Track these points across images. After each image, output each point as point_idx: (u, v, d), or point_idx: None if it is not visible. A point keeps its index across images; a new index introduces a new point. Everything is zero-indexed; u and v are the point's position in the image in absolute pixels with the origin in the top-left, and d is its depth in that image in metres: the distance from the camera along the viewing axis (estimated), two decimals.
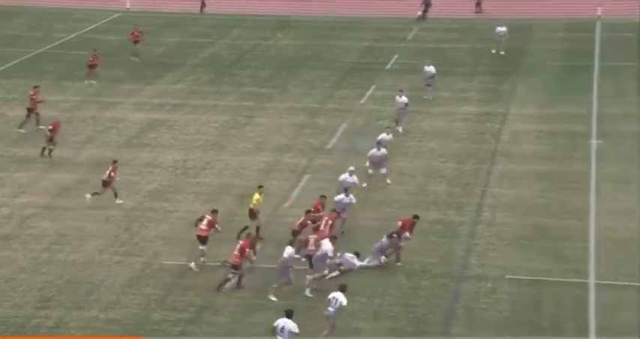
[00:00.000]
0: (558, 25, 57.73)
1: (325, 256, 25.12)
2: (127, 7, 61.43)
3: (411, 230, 26.87)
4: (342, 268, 25.73)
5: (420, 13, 58.76)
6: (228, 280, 25.34)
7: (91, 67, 45.39)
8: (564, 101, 42.65)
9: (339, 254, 25.77)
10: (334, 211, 27.78)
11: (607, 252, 27.78)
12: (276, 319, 21.86)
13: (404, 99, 38.38)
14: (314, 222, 27.32)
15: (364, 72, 47.68)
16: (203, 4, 61.31)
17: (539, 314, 24.40)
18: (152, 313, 24.48)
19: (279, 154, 36.14)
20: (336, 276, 25.27)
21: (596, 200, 31.56)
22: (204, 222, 26.73)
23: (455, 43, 53.82)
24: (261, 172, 34.38)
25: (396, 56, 50.69)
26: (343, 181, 30.03)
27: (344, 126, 39.49)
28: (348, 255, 25.93)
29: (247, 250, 25.30)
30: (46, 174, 34.03)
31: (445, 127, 37.90)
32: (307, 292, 24.94)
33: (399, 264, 26.57)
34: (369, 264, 26.36)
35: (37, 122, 38.04)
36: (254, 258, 25.78)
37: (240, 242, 25.50)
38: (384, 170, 32.14)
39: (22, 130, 38.09)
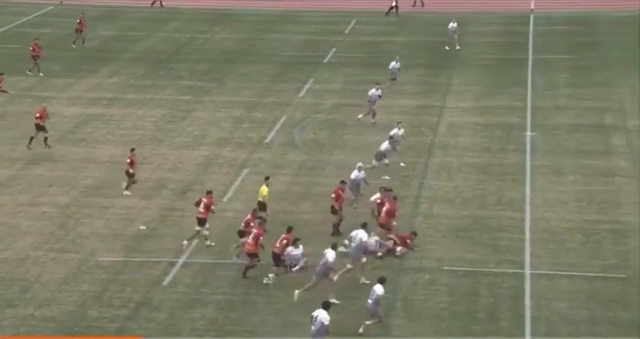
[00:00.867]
0: (493, 18, 58.41)
1: (361, 245, 25.38)
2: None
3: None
4: (379, 254, 26.76)
5: (394, 3, 58.59)
6: (251, 266, 25.45)
7: (34, 58, 44.66)
8: (500, 94, 43.16)
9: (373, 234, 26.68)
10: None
11: (542, 242, 28.22)
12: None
13: (379, 92, 38.44)
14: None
15: (302, 65, 47.65)
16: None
17: (476, 304, 24.69)
18: (89, 310, 24.19)
19: (217, 148, 35.96)
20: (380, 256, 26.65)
21: (531, 191, 32.01)
22: (202, 205, 27.40)
23: (391, 36, 54.12)
24: (199, 166, 34.18)
25: (334, 49, 50.77)
26: (355, 178, 29.86)
27: (283, 119, 39.44)
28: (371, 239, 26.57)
29: (261, 237, 25.59)
30: None
31: (383, 120, 38.04)
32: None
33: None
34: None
35: None
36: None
37: (254, 231, 25.81)
38: (386, 161, 32.70)
39: None
